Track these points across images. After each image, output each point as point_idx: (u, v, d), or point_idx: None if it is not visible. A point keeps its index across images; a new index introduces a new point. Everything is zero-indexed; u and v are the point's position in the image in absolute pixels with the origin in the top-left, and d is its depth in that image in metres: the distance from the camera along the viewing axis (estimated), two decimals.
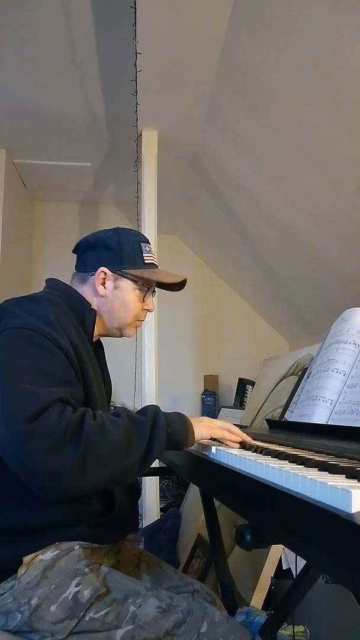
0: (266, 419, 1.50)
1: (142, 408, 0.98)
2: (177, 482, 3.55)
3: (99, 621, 0.88)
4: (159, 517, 2.72)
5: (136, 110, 2.61)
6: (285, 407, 1.38)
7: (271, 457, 0.81)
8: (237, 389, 3.55)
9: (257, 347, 4.07)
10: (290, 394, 1.40)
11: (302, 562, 1.55)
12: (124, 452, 0.87)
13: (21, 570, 0.93)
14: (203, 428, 1.00)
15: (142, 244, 1.17)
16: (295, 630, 1.61)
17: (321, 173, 2.38)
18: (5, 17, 2.26)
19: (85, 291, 1.15)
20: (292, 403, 1.33)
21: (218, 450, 0.94)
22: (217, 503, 1.58)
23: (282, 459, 0.78)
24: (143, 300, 1.18)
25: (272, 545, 1.70)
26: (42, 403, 0.84)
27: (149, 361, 2.73)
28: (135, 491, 1.22)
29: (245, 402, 3.30)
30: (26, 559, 0.93)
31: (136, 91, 2.45)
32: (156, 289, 1.22)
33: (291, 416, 1.27)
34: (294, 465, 0.72)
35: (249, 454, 0.86)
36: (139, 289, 1.16)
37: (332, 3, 1.70)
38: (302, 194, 2.62)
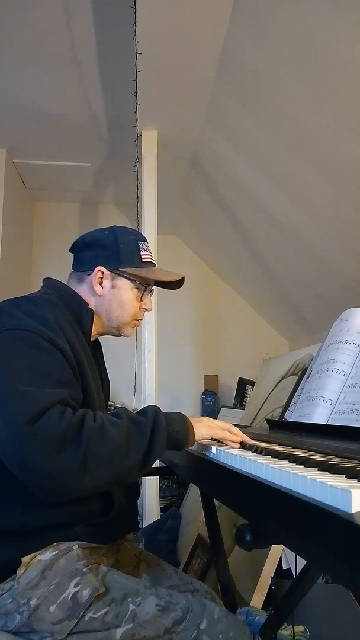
0: (266, 419, 1.50)
1: (142, 408, 0.98)
2: (177, 482, 3.55)
3: (99, 621, 0.88)
4: (159, 517, 2.72)
5: (136, 110, 2.61)
6: (285, 407, 1.38)
7: (271, 457, 0.81)
8: (237, 389, 3.55)
9: (257, 347, 4.07)
10: (290, 394, 1.40)
11: (302, 562, 1.54)
12: (125, 453, 0.87)
13: (20, 571, 0.92)
14: (203, 428, 1.00)
15: (140, 243, 1.17)
16: (295, 630, 1.61)
17: (321, 173, 2.38)
18: (6, 17, 2.26)
19: (82, 291, 1.14)
20: (292, 403, 1.33)
21: (218, 450, 0.94)
22: (217, 503, 1.58)
23: (282, 459, 0.78)
24: (141, 299, 1.18)
25: (272, 545, 1.70)
26: (42, 405, 0.84)
27: (149, 361, 2.73)
28: (135, 491, 1.22)
29: (245, 402, 3.30)
30: (25, 559, 0.93)
31: (136, 91, 2.46)
32: (154, 287, 1.22)
33: (291, 416, 1.27)
34: (294, 465, 0.72)
35: (249, 454, 0.86)
36: (137, 288, 1.16)
37: (332, 3, 1.70)
38: (302, 194, 2.62)
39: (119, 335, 1.20)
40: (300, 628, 1.67)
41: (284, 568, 1.86)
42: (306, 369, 1.36)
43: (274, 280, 3.64)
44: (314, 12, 1.77)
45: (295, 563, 1.71)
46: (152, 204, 2.84)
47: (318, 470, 0.68)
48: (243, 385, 3.47)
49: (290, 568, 1.86)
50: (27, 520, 0.95)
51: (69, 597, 0.89)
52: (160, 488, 3.05)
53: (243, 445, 1.01)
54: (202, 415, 1.59)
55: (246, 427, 1.60)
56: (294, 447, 0.91)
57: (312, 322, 3.59)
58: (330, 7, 1.72)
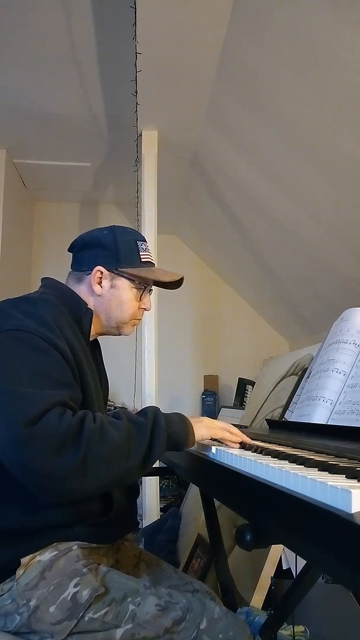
0: (266, 419, 1.50)
1: (142, 409, 0.98)
2: (177, 482, 3.55)
3: (99, 621, 0.88)
4: (159, 517, 2.72)
5: (136, 110, 2.61)
6: (285, 407, 1.38)
7: (271, 457, 0.81)
8: (237, 389, 3.55)
9: (257, 347, 4.07)
10: (290, 394, 1.40)
11: (302, 562, 1.54)
12: (125, 455, 0.87)
13: (19, 572, 0.92)
14: (203, 429, 1.00)
15: (139, 242, 1.16)
16: (295, 630, 1.61)
17: (321, 173, 2.38)
18: (6, 17, 2.26)
19: (81, 290, 1.14)
20: (292, 403, 1.33)
21: (218, 450, 0.94)
22: (217, 503, 1.58)
23: (282, 459, 0.78)
24: (140, 299, 1.17)
25: (272, 545, 1.70)
26: (42, 406, 0.84)
27: (149, 361, 2.73)
28: (134, 491, 1.22)
29: (245, 402, 3.30)
30: (24, 560, 0.93)
31: (136, 91, 2.46)
32: (153, 287, 1.21)
33: (291, 416, 1.27)
34: (294, 465, 0.72)
35: (249, 454, 0.86)
36: (136, 288, 1.16)
37: (332, 3, 1.70)
38: (302, 194, 2.62)
39: (119, 334, 1.20)
40: (300, 628, 1.67)
41: (284, 568, 1.86)
42: (306, 369, 1.36)
43: (274, 280, 3.64)
44: (314, 12, 1.77)
45: (295, 563, 1.71)
46: (152, 204, 2.84)
47: (318, 470, 0.68)
48: (243, 385, 3.47)
49: (290, 568, 1.86)
50: (27, 520, 0.95)
51: (69, 598, 0.89)
52: (160, 488, 3.05)
53: (243, 445, 1.01)
54: (202, 415, 1.59)
55: (246, 427, 1.60)
56: (294, 447, 0.91)
57: (312, 322, 3.59)
58: (330, 7, 1.72)
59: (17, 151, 3.41)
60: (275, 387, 1.87)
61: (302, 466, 0.71)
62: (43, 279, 1.17)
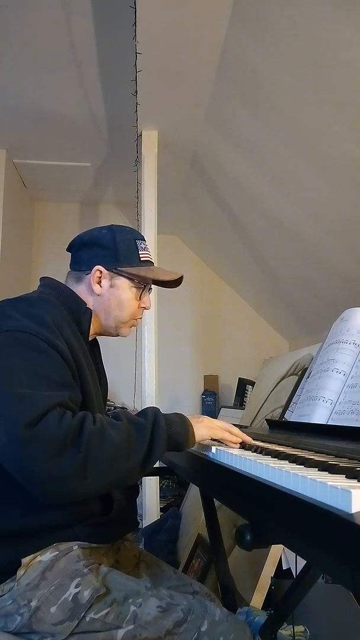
0: (266, 419, 1.50)
1: (142, 410, 0.98)
2: (177, 482, 3.55)
3: (100, 621, 0.88)
4: (159, 517, 2.72)
5: (136, 110, 2.61)
6: (285, 407, 1.38)
7: (271, 457, 0.81)
8: (237, 389, 3.55)
9: (257, 347, 4.07)
10: (290, 394, 1.40)
11: (302, 562, 1.54)
12: (125, 456, 0.87)
13: (20, 572, 0.92)
14: (203, 429, 1.00)
15: (138, 242, 1.16)
16: (295, 630, 1.61)
17: (321, 173, 2.38)
18: (6, 17, 2.26)
19: (80, 290, 1.14)
20: (292, 403, 1.33)
21: (218, 450, 0.94)
22: (217, 503, 1.58)
23: (282, 459, 0.78)
24: (140, 298, 1.17)
25: (272, 545, 1.70)
26: (42, 408, 0.84)
27: (149, 361, 2.73)
28: (134, 490, 1.22)
29: (245, 402, 3.30)
30: (25, 560, 0.93)
31: (136, 91, 2.45)
32: (153, 286, 1.21)
33: (291, 416, 1.27)
34: (294, 465, 0.72)
35: (249, 454, 0.86)
36: (136, 287, 1.15)
37: (333, 3, 1.70)
38: (302, 194, 2.62)
39: (116, 335, 1.19)
40: (300, 628, 1.67)
41: (284, 568, 1.86)
42: (306, 369, 1.36)
43: (274, 280, 3.64)
44: (314, 12, 1.77)
45: (295, 563, 1.71)
46: (152, 204, 2.84)
47: (318, 470, 0.68)
48: (243, 385, 3.47)
49: (290, 568, 1.86)
50: (27, 521, 0.94)
51: (70, 598, 0.89)
52: (160, 488, 3.05)
53: (243, 445, 1.00)
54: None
55: (246, 427, 1.60)
56: (294, 447, 0.91)
57: (312, 322, 3.59)
58: (330, 7, 1.72)
59: (17, 151, 3.41)
60: (275, 387, 1.87)
61: (302, 466, 0.71)
62: (42, 279, 1.17)
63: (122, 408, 3.65)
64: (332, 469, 0.66)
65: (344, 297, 2.86)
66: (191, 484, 2.79)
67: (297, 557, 1.66)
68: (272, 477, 0.66)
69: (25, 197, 3.99)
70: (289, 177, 2.60)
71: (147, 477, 2.54)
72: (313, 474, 0.63)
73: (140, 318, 1.21)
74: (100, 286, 1.13)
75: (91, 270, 1.12)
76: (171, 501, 3.41)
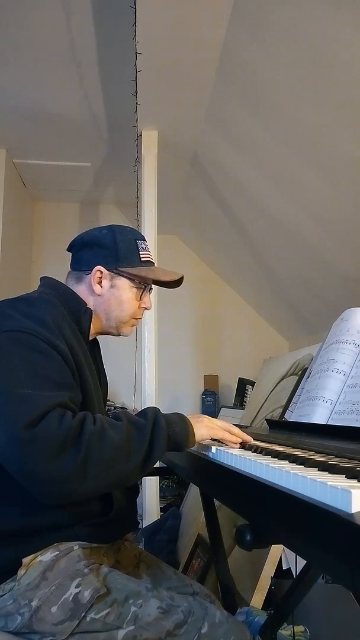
0: (266, 419, 1.50)
1: (142, 410, 0.98)
2: (177, 482, 3.55)
3: (100, 622, 0.88)
4: (159, 517, 2.72)
5: (136, 110, 2.61)
6: (285, 407, 1.38)
7: (271, 457, 0.81)
8: (237, 389, 3.55)
9: (257, 347, 4.07)
10: (290, 394, 1.40)
11: (302, 562, 1.54)
12: (125, 456, 0.87)
13: (20, 572, 0.92)
14: (203, 429, 1.00)
15: (138, 242, 1.16)
16: (295, 630, 1.61)
17: (321, 173, 2.38)
18: (5, 17, 2.26)
19: (80, 290, 1.14)
20: (292, 403, 1.33)
21: (218, 450, 0.94)
22: (217, 503, 1.58)
23: (282, 459, 0.78)
24: (140, 299, 1.17)
25: (272, 545, 1.70)
26: (42, 408, 0.84)
27: (149, 361, 2.73)
28: (134, 490, 1.22)
29: (245, 402, 3.30)
30: (25, 560, 0.93)
31: (136, 91, 2.45)
32: (153, 287, 1.21)
33: (291, 416, 1.27)
34: (294, 465, 0.72)
35: (249, 454, 0.86)
36: (136, 287, 1.16)
37: (333, 3, 1.70)
38: (302, 194, 2.62)
39: (118, 335, 1.20)
40: (300, 628, 1.67)
41: (284, 568, 1.86)
42: (306, 369, 1.36)
43: (274, 280, 3.64)
44: (314, 12, 1.77)
45: (295, 563, 1.71)
46: (152, 204, 2.84)
47: (318, 470, 0.68)
48: (243, 385, 3.47)
49: (290, 568, 1.86)
50: (27, 521, 0.95)
51: (70, 598, 0.89)
52: (160, 488, 3.05)
53: (243, 445, 1.00)
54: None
55: (246, 427, 1.60)
56: (294, 447, 0.91)
57: (312, 322, 3.59)
58: (330, 7, 1.72)
59: (17, 151, 3.41)
60: (275, 387, 1.87)
61: (302, 466, 0.71)
62: (42, 279, 1.17)
63: (122, 408, 3.65)
64: (332, 469, 0.66)
65: (344, 297, 2.86)
66: (191, 484, 2.79)
67: (297, 557, 1.66)
68: (272, 477, 0.66)
69: (25, 197, 3.99)
70: (289, 177, 2.60)
71: (147, 477, 2.54)
72: (313, 474, 0.63)
73: (140, 318, 1.21)
74: (101, 286, 1.13)
75: (92, 270, 1.13)
76: (171, 501, 3.41)
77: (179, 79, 2.42)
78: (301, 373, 1.41)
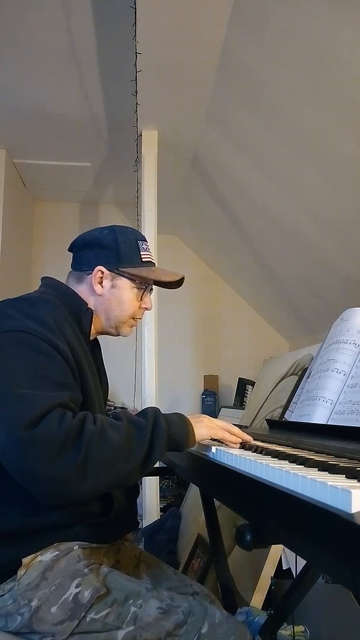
0: (266, 419, 1.50)
1: (142, 410, 0.98)
2: (177, 482, 3.55)
3: (100, 622, 0.88)
4: (159, 517, 2.72)
5: (136, 110, 2.61)
6: (285, 407, 1.38)
7: (271, 457, 0.81)
8: (237, 389, 3.55)
9: (257, 347, 4.07)
10: (290, 394, 1.40)
11: (302, 562, 1.54)
12: (125, 456, 0.87)
13: (20, 572, 0.92)
14: (203, 428, 1.00)
15: (139, 242, 1.16)
16: (295, 630, 1.61)
17: (321, 173, 2.38)
18: (5, 17, 2.26)
19: (81, 290, 1.14)
20: (292, 403, 1.33)
21: (218, 450, 0.94)
22: (217, 503, 1.58)
23: (282, 459, 0.78)
24: (141, 299, 1.18)
25: (272, 545, 1.70)
26: (42, 408, 0.84)
27: (149, 361, 2.73)
28: (134, 490, 1.22)
29: (245, 402, 3.30)
30: (25, 560, 0.93)
31: (136, 91, 2.45)
32: (153, 286, 1.21)
33: (291, 416, 1.27)
34: (294, 465, 0.72)
35: (249, 454, 0.86)
36: (137, 288, 1.16)
37: (332, 3, 1.70)
38: (302, 194, 2.62)
39: (117, 335, 1.20)
40: (300, 628, 1.67)
41: (284, 568, 1.86)
42: (306, 369, 1.36)
43: (274, 280, 3.64)
44: (314, 12, 1.77)
45: (295, 563, 1.71)
46: (152, 204, 2.84)
47: (318, 470, 0.68)
48: (243, 385, 3.46)
49: (290, 568, 1.86)
50: (27, 521, 0.95)
51: (70, 598, 0.89)
52: (160, 488, 3.05)
53: (243, 445, 1.00)
54: None
55: (246, 427, 1.60)
56: (294, 447, 0.91)
57: (312, 322, 3.59)
58: (330, 7, 1.72)
59: (17, 151, 3.41)
60: (275, 387, 1.87)
61: (302, 466, 0.71)
62: (43, 279, 1.17)
63: (122, 408, 3.65)
64: (332, 469, 0.66)
65: (344, 297, 2.86)
66: (191, 484, 2.79)
67: (297, 557, 1.66)
68: (272, 477, 0.66)
69: (25, 197, 3.99)
70: (289, 177, 2.60)
71: (147, 477, 2.54)
72: (313, 474, 0.63)
73: (140, 318, 1.21)
74: (102, 286, 1.13)
75: (93, 270, 1.13)
76: (171, 501, 3.41)
77: (179, 79, 2.42)
78: (301, 373, 1.41)
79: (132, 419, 0.94)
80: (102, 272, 1.13)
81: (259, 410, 1.92)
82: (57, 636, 0.87)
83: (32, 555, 0.94)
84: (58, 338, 0.96)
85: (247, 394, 3.37)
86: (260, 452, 0.89)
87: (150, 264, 1.17)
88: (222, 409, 3.37)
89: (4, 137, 3.26)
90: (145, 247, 1.17)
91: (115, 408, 3.58)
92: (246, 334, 4.28)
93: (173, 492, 3.54)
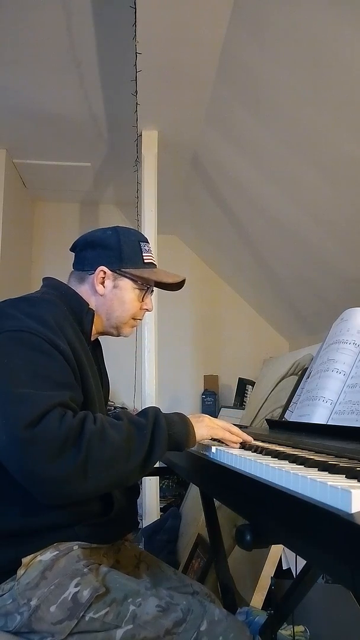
0: (266, 419, 1.50)
1: (142, 410, 0.98)
2: (177, 482, 3.55)
3: (99, 621, 0.88)
4: (159, 517, 2.72)
5: (136, 110, 2.61)
6: (285, 407, 1.38)
7: (271, 457, 0.81)
8: (237, 389, 3.55)
9: (257, 347, 4.07)
10: (290, 394, 1.40)
11: (302, 562, 1.54)
12: (126, 456, 0.87)
13: (20, 572, 0.92)
14: (204, 428, 1.00)
15: (142, 244, 1.17)
16: (295, 630, 1.61)
17: (321, 173, 2.38)
18: (6, 17, 2.26)
19: (83, 290, 1.14)
20: (292, 403, 1.33)
21: (218, 450, 0.94)
22: (217, 503, 1.58)
23: (282, 459, 0.78)
24: (142, 300, 1.18)
25: (272, 545, 1.70)
26: (42, 408, 0.84)
27: (149, 361, 2.73)
28: (134, 490, 1.22)
29: (245, 402, 3.29)
30: (25, 560, 0.93)
31: (136, 91, 2.46)
32: (154, 288, 1.22)
33: (291, 416, 1.27)
34: (294, 465, 0.72)
35: (249, 454, 0.86)
36: (139, 289, 1.16)
37: (333, 3, 1.70)
38: (302, 194, 2.62)
39: (118, 335, 1.20)
40: (300, 628, 1.67)
41: (284, 568, 1.86)
42: (306, 369, 1.36)
43: (274, 280, 3.64)
44: (314, 12, 1.77)
45: (295, 563, 1.71)
46: (152, 204, 2.84)
47: (318, 470, 0.68)
48: (243, 385, 3.46)
49: (290, 568, 1.86)
50: (27, 521, 0.95)
51: (69, 598, 0.89)
52: (160, 488, 3.05)
53: (243, 445, 1.00)
54: None
55: (246, 427, 1.60)
56: (294, 447, 0.91)
57: (312, 322, 3.59)
58: (330, 7, 1.72)
59: (17, 151, 3.41)
60: (275, 387, 1.87)
61: (302, 466, 0.71)
62: (45, 279, 1.17)
63: (122, 408, 3.65)
64: (332, 469, 0.66)
65: (344, 297, 2.86)
66: (191, 484, 2.79)
67: (297, 557, 1.66)
68: (272, 477, 0.66)
69: (25, 197, 3.99)
70: (289, 177, 2.60)
71: (147, 477, 2.54)
72: (313, 474, 0.63)
73: (140, 319, 1.22)
74: (104, 287, 1.13)
75: (95, 270, 1.13)
76: (171, 501, 3.41)
77: (179, 79, 2.42)
78: (301, 373, 1.41)
79: (133, 418, 0.94)
80: (105, 272, 1.13)
81: (259, 410, 1.92)
82: (56, 636, 0.87)
83: (32, 555, 0.94)
84: (59, 338, 0.96)
85: (247, 394, 3.37)
86: (260, 452, 0.89)
87: (152, 265, 1.17)
88: (222, 409, 3.37)
89: (4, 137, 3.26)
90: (147, 248, 1.18)
91: (115, 408, 3.58)
92: (246, 334, 4.28)
93: (173, 492, 3.54)
